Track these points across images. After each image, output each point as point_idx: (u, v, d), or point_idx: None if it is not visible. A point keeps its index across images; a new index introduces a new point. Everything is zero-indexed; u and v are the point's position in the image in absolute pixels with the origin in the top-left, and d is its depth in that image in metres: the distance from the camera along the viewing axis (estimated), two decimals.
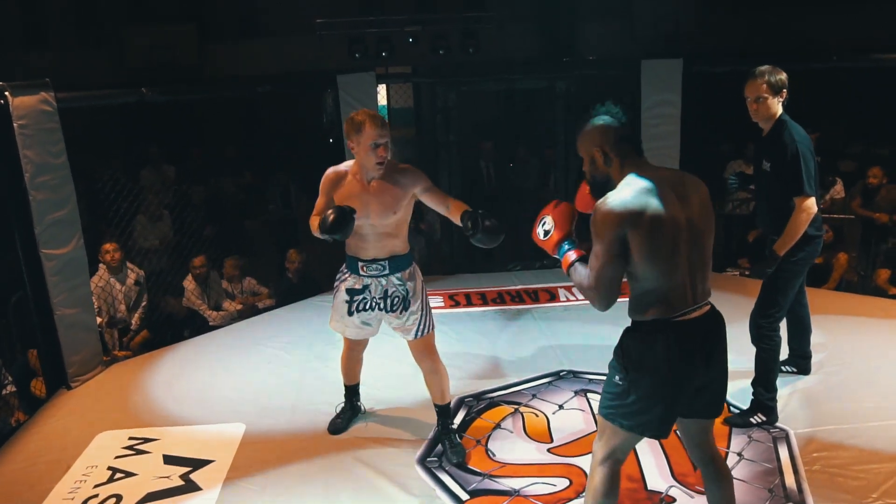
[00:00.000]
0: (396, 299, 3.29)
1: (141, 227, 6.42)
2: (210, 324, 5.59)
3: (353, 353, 3.63)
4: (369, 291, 3.30)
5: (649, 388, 2.24)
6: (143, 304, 5.56)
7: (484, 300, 5.66)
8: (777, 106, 3.42)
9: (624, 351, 2.30)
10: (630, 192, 2.18)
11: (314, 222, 3.12)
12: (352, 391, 3.79)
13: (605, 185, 2.29)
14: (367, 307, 3.32)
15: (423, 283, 3.37)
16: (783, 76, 3.41)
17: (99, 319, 5.10)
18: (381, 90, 6.77)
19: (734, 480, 3.06)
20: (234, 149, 9.07)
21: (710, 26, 10.46)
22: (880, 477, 3.11)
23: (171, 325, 5.41)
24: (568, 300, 5.51)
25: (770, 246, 3.49)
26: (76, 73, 9.05)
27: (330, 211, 2.96)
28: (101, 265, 5.31)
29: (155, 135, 8.21)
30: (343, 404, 3.80)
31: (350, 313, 3.35)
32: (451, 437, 3.47)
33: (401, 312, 3.30)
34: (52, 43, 10.69)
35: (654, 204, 2.15)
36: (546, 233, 2.43)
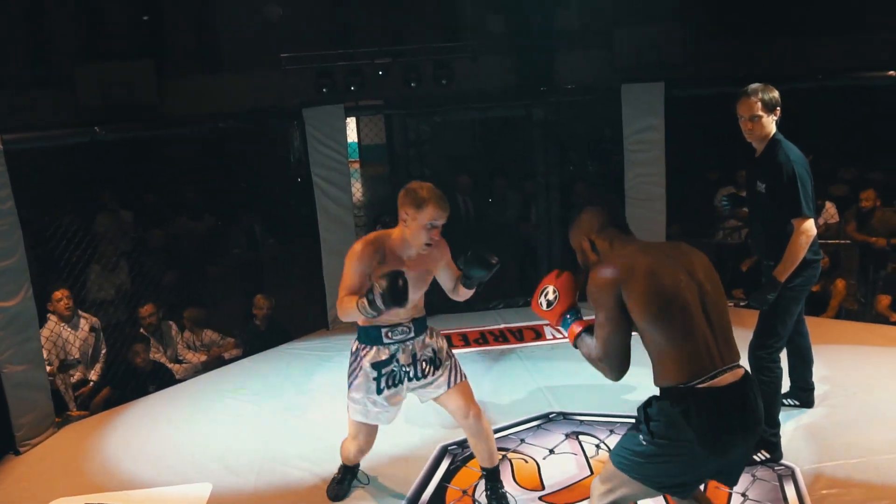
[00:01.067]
0: (425, 362, 3.16)
1: (95, 276, 6.31)
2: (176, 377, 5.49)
3: (366, 447, 3.38)
4: (397, 361, 3.12)
5: (678, 458, 2.21)
6: (104, 351, 5.46)
7: (466, 341, 5.62)
8: (771, 125, 3.47)
9: (649, 417, 2.27)
10: (618, 257, 2.30)
11: (348, 304, 2.89)
12: (352, 471, 3.58)
13: None
14: (397, 381, 3.13)
15: (443, 338, 3.30)
16: (776, 94, 3.46)
17: (49, 368, 4.98)
18: (351, 124, 6.82)
19: None
20: (195, 190, 9.04)
21: (692, 56, 10.72)
22: None
23: (133, 380, 5.29)
24: (555, 338, 5.49)
25: (767, 272, 3.51)
26: (24, 114, 9.00)
27: (381, 279, 2.74)
28: (49, 315, 5.22)
29: (111, 178, 8.17)
30: (343, 472, 3.56)
31: (380, 391, 3.12)
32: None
33: (432, 374, 3.17)
34: None
35: (644, 260, 2.24)
36: (549, 303, 2.47)
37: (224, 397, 4.87)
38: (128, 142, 6.39)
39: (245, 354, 5.76)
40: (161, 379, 5.37)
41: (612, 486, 2.33)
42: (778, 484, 3.37)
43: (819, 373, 4.18)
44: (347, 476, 3.56)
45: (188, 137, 9.20)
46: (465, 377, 3.23)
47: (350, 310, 2.88)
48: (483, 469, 3.34)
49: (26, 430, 4.30)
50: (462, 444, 3.95)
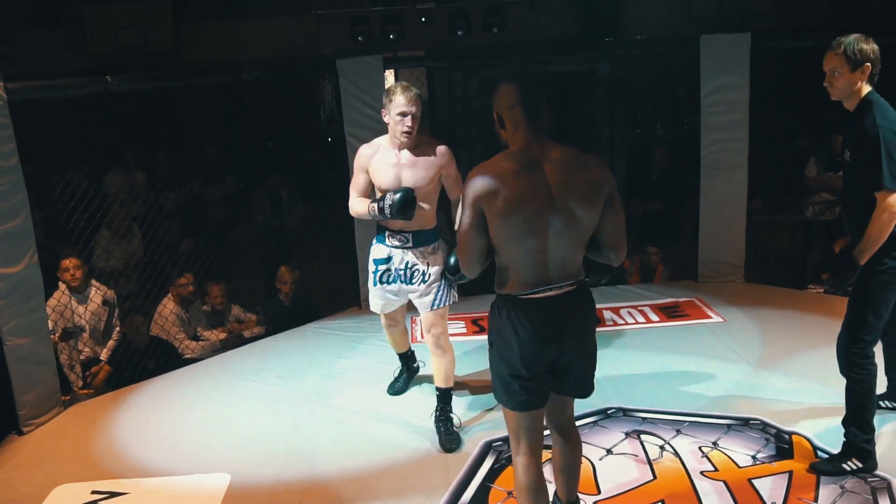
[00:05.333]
0: (417, 272, 3.90)
1: (105, 242, 6.39)
2: (186, 356, 5.59)
3: (393, 328, 4.31)
4: (392, 262, 3.93)
5: (504, 359, 2.72)
6: (117, 329, 5.58)
7: None
8: (858, 83, 3.34)
9: (488, 322, 2.81)
10: (495, 170, 2.60)
11: (358, 206, 3.86)
12: (404, 358, 4.54)
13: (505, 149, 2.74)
14: (391, 279, 3.96)
15: (445, 257, 3.89)
16: (867, 46, 3.32)
17: (53, 338, 5.10)
18: (389, 77, 6.80)
19: None
20: (215, 149, 9.12)
21: (783, 2, 10.41)
22: None
23: (136, 357, 5.40)
24: (615, 324, 5.46)
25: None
26: (29, 60, 9.13)
27: (393, 193, 3.65)
28: (60, 283, 5.35)
29: (124, 133, 8.28)
30: (400, 368, 4.57)
31: (374, 283, 4.00)
32: (447, 425, 3.95)
33: (420, 284, 3.90)
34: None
35: (511, 187, 2.56)
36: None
37: (245, 380, 4.95)
38: (143, 93, 6.42)
39: (268, 333, 5.84)
40: (164, 356, 5.47)
41: (506, 423, 2.90)
42: (871, 497, 3.31)
43: None
44: (405, 372, 4.56)
45: (208, 89, 9.25)
46: (450, 303, 3.94)
47: (360, 210, 3.86)
48: (436, 388, 4.01)
49: (30, 409, 4.43)
50: (507, 440, 3.96)
